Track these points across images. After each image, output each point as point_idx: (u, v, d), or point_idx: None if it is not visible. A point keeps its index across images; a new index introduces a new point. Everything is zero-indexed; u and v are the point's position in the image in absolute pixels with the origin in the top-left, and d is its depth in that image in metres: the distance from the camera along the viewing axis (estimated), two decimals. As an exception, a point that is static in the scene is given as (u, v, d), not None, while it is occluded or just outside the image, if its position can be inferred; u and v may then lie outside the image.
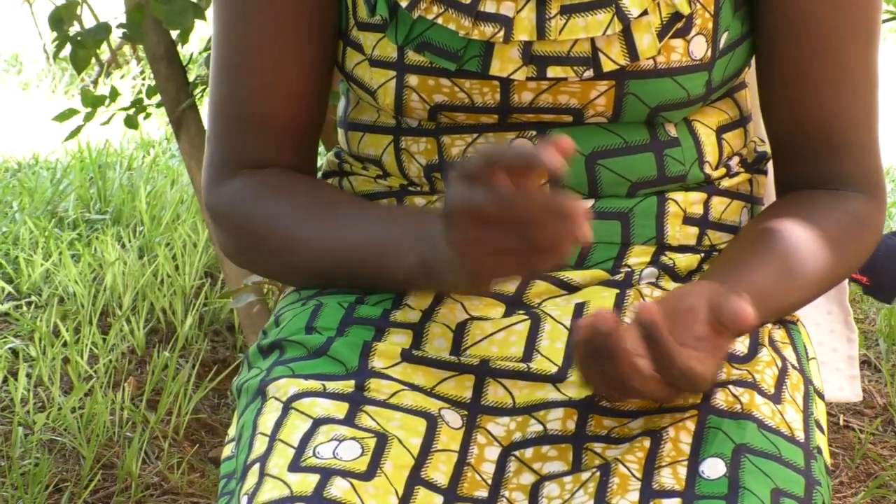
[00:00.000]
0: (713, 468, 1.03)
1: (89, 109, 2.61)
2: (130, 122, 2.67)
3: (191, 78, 2.64)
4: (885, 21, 2.43)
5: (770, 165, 1.29)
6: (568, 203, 0.93)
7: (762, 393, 1.10)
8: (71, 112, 2.57)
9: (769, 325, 1.17)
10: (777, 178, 1.26)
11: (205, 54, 2.65)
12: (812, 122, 1.20)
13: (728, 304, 1.00)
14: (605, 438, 1.07)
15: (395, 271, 1.13)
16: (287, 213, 1.18)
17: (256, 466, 1.05)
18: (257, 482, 1.03)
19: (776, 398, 1.10)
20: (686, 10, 1.13)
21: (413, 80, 1.15)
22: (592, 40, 1.12)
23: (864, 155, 1.21)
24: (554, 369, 1.11)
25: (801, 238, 1.15)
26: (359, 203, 1.19)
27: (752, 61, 1.23)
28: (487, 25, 1.11)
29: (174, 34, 2.54)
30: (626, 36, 1.12)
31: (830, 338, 1.42)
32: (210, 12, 2.43)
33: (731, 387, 1.09)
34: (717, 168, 1.21)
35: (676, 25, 1.13)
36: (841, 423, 2.61)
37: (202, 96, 2.62)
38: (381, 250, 1.13)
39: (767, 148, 1.28)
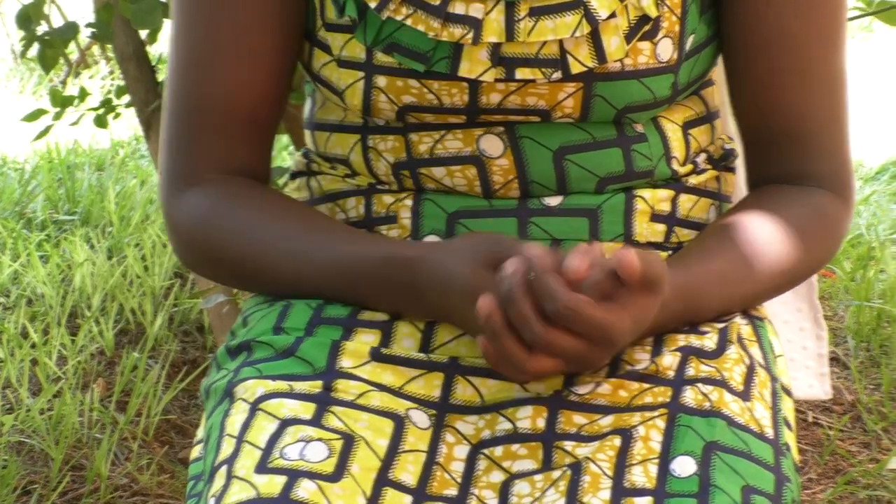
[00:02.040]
0: (684, 466, 1.03)
1: (58, 109, 2.60)
2: (100, 122, 2.66)
3: (160, 78, 2.63)
4: (853, 18, 2.44)
5: (740, 164, 1.30)
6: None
7: (731, 390, 1.10)
8: (40, 112, 2.56)
9: (737, 322, 1.17)
10: (748, 176, 1.26)
11: (173, 54, 2.64)
12: (780, 124, 1.20)
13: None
14: (576, 437, 1.07)
15: (367, 296, 1.13)
16: (248, 229, 1.17)
17: (224, 468, 1.05)
18: (224, 484, 1.03)
19: (745, 395, 1.11)
20: (653, 13, 1.13)
21: (381, 81, 1.14)
22: (561, 42, 1.12)
23: (833, 154, 1.22)
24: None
25: (760, 227, 1.16)
26: (323, 221, 1.18)
27: (720, 58, 1.23)
28: (456, 27, 1.11)
29: (143, 34, 2.53)
30: (594, 38, 1.12)
31: (800, 335, 1.42)
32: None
33: (700, 385, 1.09)
34: (684, 164, 1.21)
35: (644, 28, 1.13)
36: (809, 419, 2.62)
37: (171, 96, 2.61)
38: (343, 272, 1.13)
39: (735, 145, 1.29)
